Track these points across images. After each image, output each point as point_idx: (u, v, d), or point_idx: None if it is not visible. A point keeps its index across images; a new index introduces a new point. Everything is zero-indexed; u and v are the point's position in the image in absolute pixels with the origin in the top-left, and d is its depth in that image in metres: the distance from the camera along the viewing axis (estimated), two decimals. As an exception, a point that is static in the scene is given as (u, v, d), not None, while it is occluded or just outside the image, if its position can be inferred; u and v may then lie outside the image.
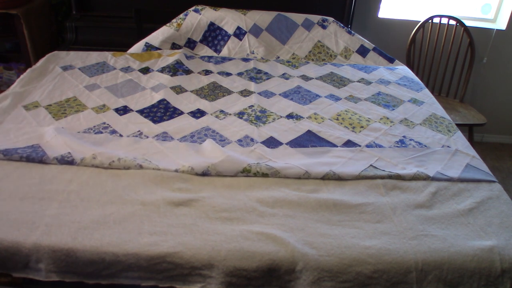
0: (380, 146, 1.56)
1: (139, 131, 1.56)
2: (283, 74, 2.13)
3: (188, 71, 2.06)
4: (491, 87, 3.20)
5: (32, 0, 2.58)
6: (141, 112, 1.69)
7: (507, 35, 2.98)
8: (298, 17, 2.47)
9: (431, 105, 1.93)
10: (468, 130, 2.64)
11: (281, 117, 1.71)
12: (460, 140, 1.64)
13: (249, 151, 1.46)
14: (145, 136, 1.52)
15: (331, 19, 2.50)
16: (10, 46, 2.68)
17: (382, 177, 1.37)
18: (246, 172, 1.34)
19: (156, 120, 1.64)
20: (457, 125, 1.82)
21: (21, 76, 1.88)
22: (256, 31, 2.37)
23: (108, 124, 1.59)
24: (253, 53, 2.34)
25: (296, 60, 2.34)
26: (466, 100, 3.06)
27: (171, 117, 1.67)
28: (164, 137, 1.53)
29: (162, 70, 2.04)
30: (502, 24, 2.98)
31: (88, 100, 1.75)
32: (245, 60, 2.27)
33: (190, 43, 2.36)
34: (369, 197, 1.28)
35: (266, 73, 2.12)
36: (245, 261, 1.04)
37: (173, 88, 1.89)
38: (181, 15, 2.39)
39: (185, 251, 1.05)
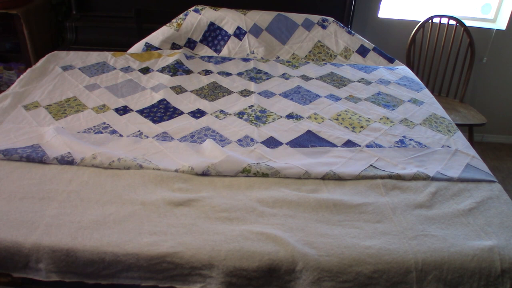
0: (380, 146, 1.55)
1: (139, 131, 1.56)
2: (283, 74, 2.13)
3: (188, 71, 2.06)
4: (491, 87, 3.20)
5: (32, 0, 2.58)
6: (141, 112, 1.69)
7: (507, 35, 2.98)
8: (298, 17, 2.47)
9: (431, 105, 1.93)
10: (468, 130, 2.64)
11: (281, 117, 1.71)
12: (460, 140, 1.64)
13: (249, 151, 1.46)
14: (145, 136, 1.52)
15: (331, 19, 2.50)
16: (10, 46, 2.68)
17: (382, 177, 1.37)
18: (246, 172, 1.34)
19: (156, 120, 1.64)
20: (457, 125, 1.82)
21: (21, 76, 1.88)
22: (256, 31, 2.37)
23: (108, 124, 1.59)
24: (253, 53, 2.34)
25: (296, 60, 2.34)
26: (466, 100, 3.06)
27: (171, 117, 1.67)
28: (164, 137, 1.53)
29: (162, 70, 2.04)
30: (502, 24, 2.98)
31: (88, 100, 1.75)
32: (245, 60, 2.27)
33: (190, 43, 2.36)
34: (369, 197, 1.28)
35: (266, 73, 2.12)
36: (245, 261, 1.04)
37: (173, 88, 1.89)
38: (181, 15, 2.39)
39: (185, 251, 1.05)
